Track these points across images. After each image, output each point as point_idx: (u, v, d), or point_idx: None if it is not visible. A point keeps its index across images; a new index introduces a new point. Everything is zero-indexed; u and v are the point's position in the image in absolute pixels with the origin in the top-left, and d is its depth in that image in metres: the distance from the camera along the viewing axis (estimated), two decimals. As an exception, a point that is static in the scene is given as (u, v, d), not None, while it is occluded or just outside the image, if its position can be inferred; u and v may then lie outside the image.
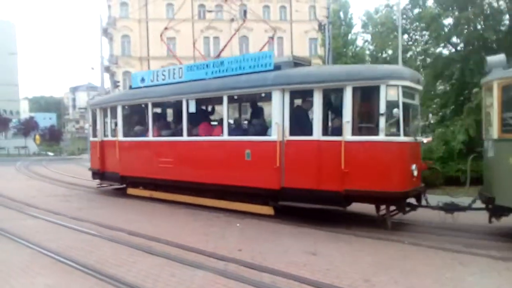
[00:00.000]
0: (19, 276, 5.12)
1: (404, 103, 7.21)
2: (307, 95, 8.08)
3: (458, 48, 16.80)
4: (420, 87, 7.94)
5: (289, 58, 8.96)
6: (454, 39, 16.83)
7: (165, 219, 8.79)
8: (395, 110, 6.98)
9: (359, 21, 25.66)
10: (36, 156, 37.53)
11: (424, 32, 19.37)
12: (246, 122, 10.02)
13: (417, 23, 19.66)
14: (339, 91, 7.58)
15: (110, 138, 12.31)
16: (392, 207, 7.39)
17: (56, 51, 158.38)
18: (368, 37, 30.62)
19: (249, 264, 5.45)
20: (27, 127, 50.14)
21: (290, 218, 8.26)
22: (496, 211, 6.60)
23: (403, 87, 7.20)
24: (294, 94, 8.22)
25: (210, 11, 38.83)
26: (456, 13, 15.44)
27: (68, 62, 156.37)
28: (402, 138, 7.14)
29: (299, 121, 8.11)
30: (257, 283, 4.74)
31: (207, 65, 9.87)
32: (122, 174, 11.69)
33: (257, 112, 9.67)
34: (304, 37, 47.01)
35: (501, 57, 6.62)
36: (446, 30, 16.13)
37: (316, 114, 7.74)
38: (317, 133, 7.71)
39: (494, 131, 6.40)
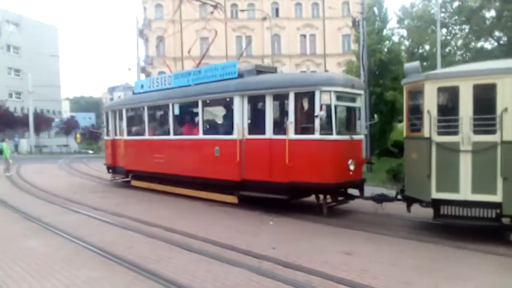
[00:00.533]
0: (63, 269, 5.35)
1: (339, 106, 8.52)
2: (261, 99, 9.18)
3: (501, 42, 16.05)
4: (358, 91, 8.92)
5: (253, 67, 10.19)
6: (497, 33, 16.08)
7: (198, 215, 8.94)
8: (321, 112, 8.08)
9: (394, 17, 25.03)
10: (77, 154, 39.11)
11: (464, 26, 18.64)
12: (219, 123, 11.30)
13: (457, 16, 18.93)
14: (285, 96, 8.74)
15: (118, 137, 14.24)
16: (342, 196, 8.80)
17: (95, 53, 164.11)
18: (404, 32, 29.80)
19: (283, 263, 5.45)
20: (68, 126, 52.35)
21: (326, 218, 8.19)
22: (406, 201, 7.52)
23: (336, 92, 8.25)
24: (251, 99, 9.48)
25: (242, 10, 39.03)
26: (498, 4, 14.74)
27: (106, 64, 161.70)
28: (334, 137, 8.18)
29: (256, 122, 9.42)
30: (292, 282, 4.73)
31: (189, 74, 11.51)
32: (127, 168, 13.54)
33: (226, 114, 10.74)
34: (337, 34, 46.27)
35: (416, 64, 7.55)
36: (488, 23, 15.44)
37: (268, 116, 8.93)
38: (269, 133, 8.91)
39: (404, 130, 7.42)
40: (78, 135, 49.42)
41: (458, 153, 6.39)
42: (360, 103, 9.16)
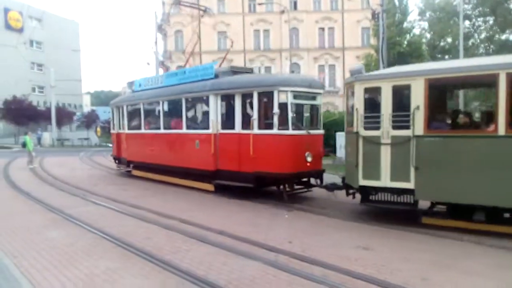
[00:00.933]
0: (83, 259, 5.48)
1: (297, 104, 9.55)
2: (231, 98, 10.28)
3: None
4: (316, 90, 9.73)
5: (228, 68, 11.38)
6: (523, 24, 15.57)
7: (215, 209, 9.00)
8: (277, 110, 9.08)
9: (415, 8, 24.46)
10: (97, 147, 39.81)
11: (488, 18, 18.09)
12: (199, 119, 12.36)
13: (481, 8, 18.39)
14: (251, 95, 9.76)
15: (121, 131, 15.59)
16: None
17: (115, 48, 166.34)
18: (425, 24, 29.16)
19: (299, 257, 5.44)
20: (89, 120, 53.36)
21: (339, 213, 8.15)
22: (346, 188, 8.40)
23: (292, 91, 9.19)
24: (224, 97, 10.62)
25: (260, 4, 38.85)
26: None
27: (125, 58, 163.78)
28: (290, 132, 9.14)
29: (227, 118, 10.56)
30: (308, 276, 4.72)
31: (176, 74, 12.94)
32: (128, 159, 15.06)
33: (204, 111, 11.83)
34: (356, 26, 45.58)
35: (359, 66, 8.47)
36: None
37: (237, 113, 10.02)
38: (238, 128, 10.01)
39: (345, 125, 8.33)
40: (98, 129, 50.29)
41: (379, 146, 7.31)
42: (320, 101, 9.94)
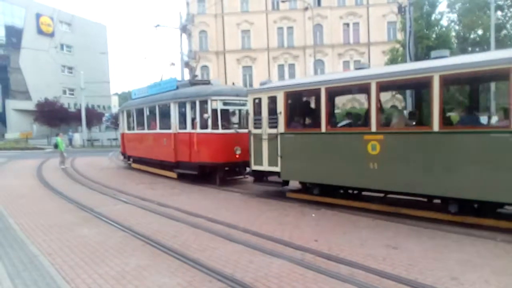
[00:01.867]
0: (114, 257, 5.64)
1: (224, 110, 12.26)
2: (184, 105, 13.21)
3: None
4: (244, 98, 11.73)
5: (187, 81, 14.67)
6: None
7: (241, 207, 9.06)
8: (206, 114, 11.95)
9: (444, 0, 23.75)
10: (125, 147, 40.80)
11: (521, 7, 17.33)
12: (167, 121, 14.68)
13: (513, -2, 17.65)
14: (195, 103, 12.58)
15: (123, 131, 19.47)
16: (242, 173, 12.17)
17: (141, 49, 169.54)
18: (454, 17, 28.28)
19: (326, 255, 5.41)
20: (118, 121, 54.87)
21: (365, 210, 8.04)
22: (253, 174, 10.61)
23: (222, 100, 12.07)
24: (180, 104, 13.46)
25: (284, 1, 38.66)
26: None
27: (151, 59, 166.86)
28: (220, 131, 11.97)
29: (182, 121, 13.33)
30: (335, 275, 4.69)
31: (155, 85, 16.18)
32: (128, 154, 18.70)
33: (168, 115, 14.22)
34: (382, 21, 44.66)
35: (266, 80, 10.97)
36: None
37: (188, 116, 13.00)
38: (188, 128, 12.92)
39: (250, 125, 10.45)
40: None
41: (261, 141, 10.03)
42: (248, 106, 11.18)
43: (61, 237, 6.72)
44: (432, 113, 6.93)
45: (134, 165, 17.93)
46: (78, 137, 43.40)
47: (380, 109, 8.10)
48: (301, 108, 10.23)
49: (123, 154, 19.74)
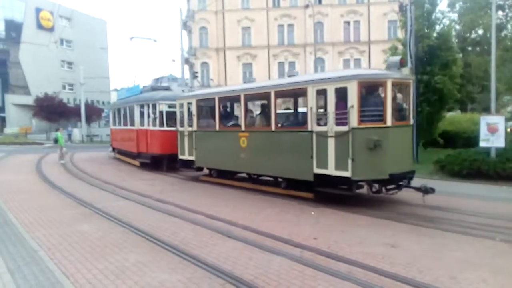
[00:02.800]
0: (113, 252, 5.66)
1: (169, 112, 15.05)
2: (143, 107, 16.44)
3: None
4: (179, 101, 13.48)
5: (149, 87, 17.92)
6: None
7: (241, 204, 9.07)
8: (152, 115, 15.44)
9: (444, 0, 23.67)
10: (125, 143, 40.80)
11: (522, 8, 17.31)
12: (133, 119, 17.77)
13: (515, -2, 17.62)
14: (149, 105, 15.84)
15: (111, 127, 22.86)
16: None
17: (140, 45, 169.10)
18: (455, 16, 28.22)
19: (325, 253, 5.43)
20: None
21: (364, 209, 8.07)
22: (197, 169, 13.08)
23: (166, 104, 15.24)
24: (141, 106, 16.68)
25: (284, -1, 38.63)
26: None
27: (151, 55, 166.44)
28: (165, 128, 15.17)
29: (142, 119, 16.51)
30: (334, 272, 4.71)
31: (129, 89, 20.47)
32: (113, 146, 22.34)
33: (134, 115, 17.35)
34: (382, 19, 44.62)
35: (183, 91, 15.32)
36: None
37: (145, 116, 16.22)
38: (146, 125, 16.15)
39: (177, 124, 13.47)
40: (125, 125, 51.28)
41: (184, 136, 13.01)
42: (185, 107, 13.15)
43: (61, 232, 6.74)
44: (271, 117, 9.77)
45: (118, 156, 21.46)
46: (77, 133, 43.36)
47: (246, 113, 10.78)
48: (205, 111, 12.82)
49: (112, 147, 23.07)
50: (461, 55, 23.25)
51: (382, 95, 8.17)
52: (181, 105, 13.21)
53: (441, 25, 18.84)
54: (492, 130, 11.55)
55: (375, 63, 41.44)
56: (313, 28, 40.49)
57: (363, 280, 4.47)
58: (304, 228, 6.80)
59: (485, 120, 11.77)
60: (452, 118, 21.25)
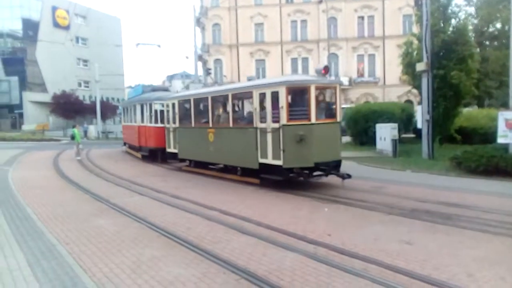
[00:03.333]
0: (129, 247, 5.74)
1: (162, 110, 16.90)
2: (143, 106, 18.63)
3: None
4: (167, 102, 15.78)
5: (149, 88, 20.71)
6: None
7: (254, 201, 9.09)
8: (146, 113, 18.07)
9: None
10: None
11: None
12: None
13: (535, -10, 17.14)
14: (146, 105, 18.06)
15: (122, 123, 25.95)
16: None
17: (155, 42, 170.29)
18: (472, 10, 27.63)
19: (339, 250, 5.41)
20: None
21: (378, 205, 8.01)
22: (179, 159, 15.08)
23: (161, 103, 17.02)
24: (141, 105, 18.93)
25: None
26: None
27: (165, 52, 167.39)
28: (159, 125, 17.05)
29: (143, 117, 18.60)
30: (348, 269, 4.69)
31: (134, 90, 23.70)
32: (124, 141, 24.58)
33: (136, 113, 19.87)
34: (397, 14, 43.99)
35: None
36: None
37: (145, 114, 18.43)
38: (146, 122, 18.29)
39: (165, 122, 16.06)
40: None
41: (170, 132, 15.35)
42: (177, 107, 15.04)
43: (78, 227, 6.87)
44: (229, 115, 11.67)
45: (127, 150, 23.33)
46: (93, 129, 43.96)
47: (213, 112, 12.66)
48: (185, 110, 14.41)
49: (124, 141, 25.12)
50: (478, 49, 22.77)
51: (308, 96, 9.62)
52: (168, 105, 15.54)
53: (457, 19, 18.49)
54: (511, 126, 11.32)
55: (390, 58, 40.93)
56: (327, 23, 40.20)
57: (378, 277, 4.44)
58: (318, 225, 6.79)
59: (503, 116, 11.55)
60: (469, 114, 20.86)
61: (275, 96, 9.88)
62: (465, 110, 21.04)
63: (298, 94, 10.06)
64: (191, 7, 52.65)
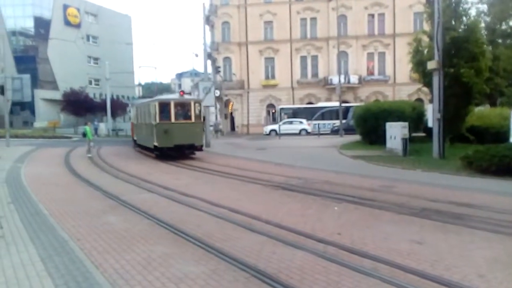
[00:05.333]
0: (140, 244, 5.79)
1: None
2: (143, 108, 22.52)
3: None
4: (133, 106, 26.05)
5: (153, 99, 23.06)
6: None
7: (263, 198, 9.11)
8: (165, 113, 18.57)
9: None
10: (148, 137, 41.57)
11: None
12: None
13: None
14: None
15: (133, 121, 26.87)
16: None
17: (164, 40, 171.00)
18: (484, 7, 27.25)
19: (348, 249, 5.40)
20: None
21: (388, 204, 7.96)
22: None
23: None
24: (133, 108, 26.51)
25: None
26: None
27: (174, 50, 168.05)
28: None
29: (157, 116, 18.47)
30: (358, 269, 4.67)
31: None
32: (133, 138, 25.92)
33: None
34: (408, 12, 43.61)
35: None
36: None
37: (146, 115, 20.82)
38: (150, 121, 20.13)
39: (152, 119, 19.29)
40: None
41: (152, 128, 18.64)
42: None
43: (89, 223, 6.94)
44: (170, 114, 17.49)
45: (137, 148, 24.15)
46: (103, 127, 44.36)
47: (139, 114, 20.53)
48: (164, 110, 17.72)
49: (133, 139, 26.26)
50: (490, 47, 22.45)
51: (170, 107, 17.58)
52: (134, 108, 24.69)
53: (468, 17, 18.26)
54: (523, 125, 11.16)
55: (400, 56, 40.56)
56: (336, 21, 39.96)
57: (389, 276, 4.42)
58: (327, 223, 6.78)
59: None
60: (481, 113, 20.61)
61: (153, 107, 18.15)
62: (477, 109, 20.79)
63: (164, 106, 17.76)
64: (201, 5, 52.77)
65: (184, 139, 17.26)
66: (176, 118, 17.47)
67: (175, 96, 22.60)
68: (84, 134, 21.22)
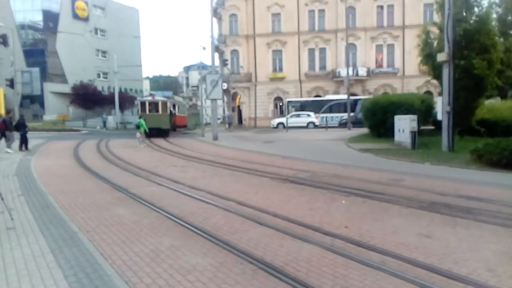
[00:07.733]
0: (148, 236, 5.83)
1: (179, 102, 43.04)
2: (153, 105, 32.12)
3: None
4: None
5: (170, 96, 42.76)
6: None
7: (270, 192, 9.09)
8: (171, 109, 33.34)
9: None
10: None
11: None
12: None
13: None
14: (156, 104, 31.22)
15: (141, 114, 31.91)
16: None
17: (172, 33, 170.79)
18: (496, -2, 26.76)
19: (356, 242, 5.38)
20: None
21: (396, 197, 7.92)
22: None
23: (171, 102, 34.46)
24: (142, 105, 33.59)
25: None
26: None
27: (182, 43, 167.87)
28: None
29: (139, 110, 31.62)
30: (366, 262, 4.66)
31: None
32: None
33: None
34: (417, 3, 43.02)
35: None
36: None
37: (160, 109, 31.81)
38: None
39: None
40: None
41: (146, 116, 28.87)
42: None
43: (98, 216, 7.01)
44: (146, 109, 30.21)
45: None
46: (111, 120, 44.63)
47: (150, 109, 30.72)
48: (143, 107, 28.90)
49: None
50: (501, 39, 22.10)
51: (146, 105, 30.94)
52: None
53: (481, 8, 17.96)
54: (535, 118, 11.01)
55: (410, 48, 40.10)
56: (345, 13, 39.58)
57: (396, 270, 4.40)
58: (335, 217, 6.76)
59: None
60: (491, 105, 20.34)
61: (143, 104, 30.65)
62: (487, 102, 20.53)
63: (144, 104, 30.59)
64: (208, -3, 52.53)
65: (154, 124, 27.36)
66: (149, 111, 29.80)
67: (150, 98, 32.93)
68: (138, 126, 23.75)
